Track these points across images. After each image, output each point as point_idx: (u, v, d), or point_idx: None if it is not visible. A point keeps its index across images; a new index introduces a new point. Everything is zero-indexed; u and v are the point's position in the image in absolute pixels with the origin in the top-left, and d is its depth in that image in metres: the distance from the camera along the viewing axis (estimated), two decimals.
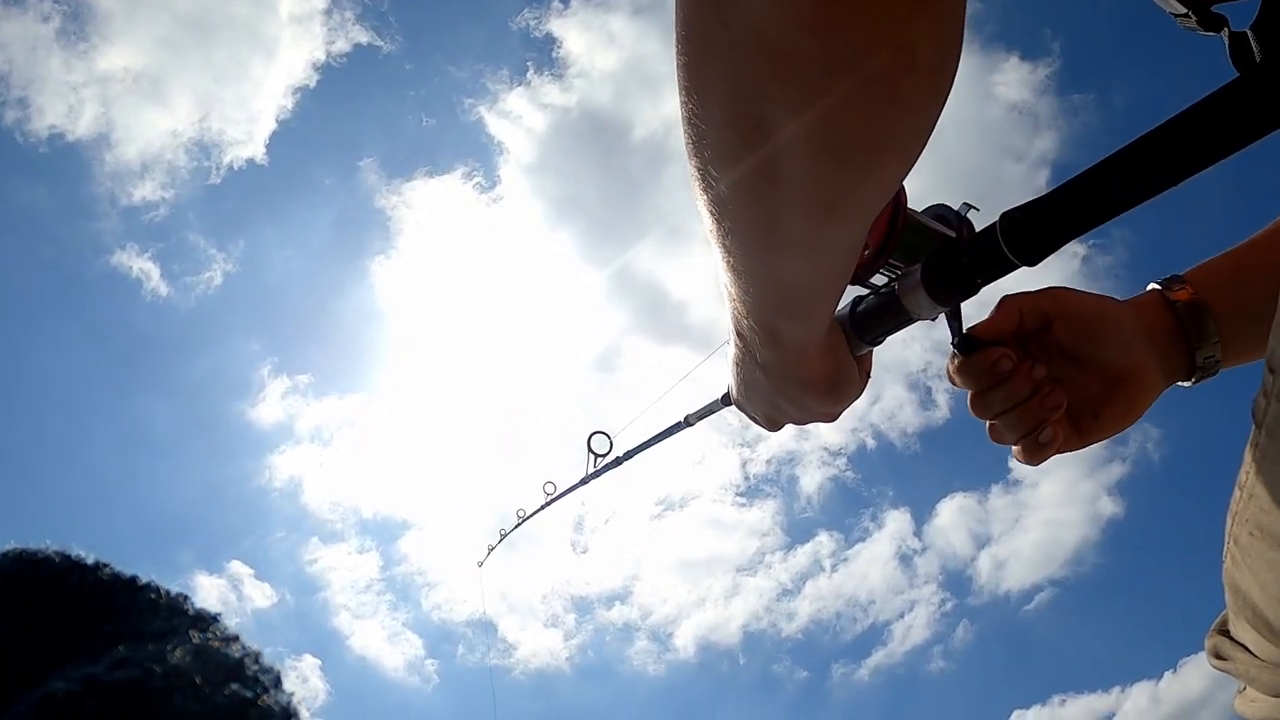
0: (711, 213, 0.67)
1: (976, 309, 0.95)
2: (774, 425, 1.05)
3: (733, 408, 1.11)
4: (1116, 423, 0.97)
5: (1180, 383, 0.98)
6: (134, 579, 0.34)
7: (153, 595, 0.34)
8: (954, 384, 0.96)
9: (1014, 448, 0.96)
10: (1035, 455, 0.94)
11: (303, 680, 0.32)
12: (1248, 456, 0.73)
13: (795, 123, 0.56)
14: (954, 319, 0.93)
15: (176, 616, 0.33)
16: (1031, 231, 0.80)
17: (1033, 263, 0.82)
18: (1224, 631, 0.83)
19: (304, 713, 0.31)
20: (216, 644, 0.32)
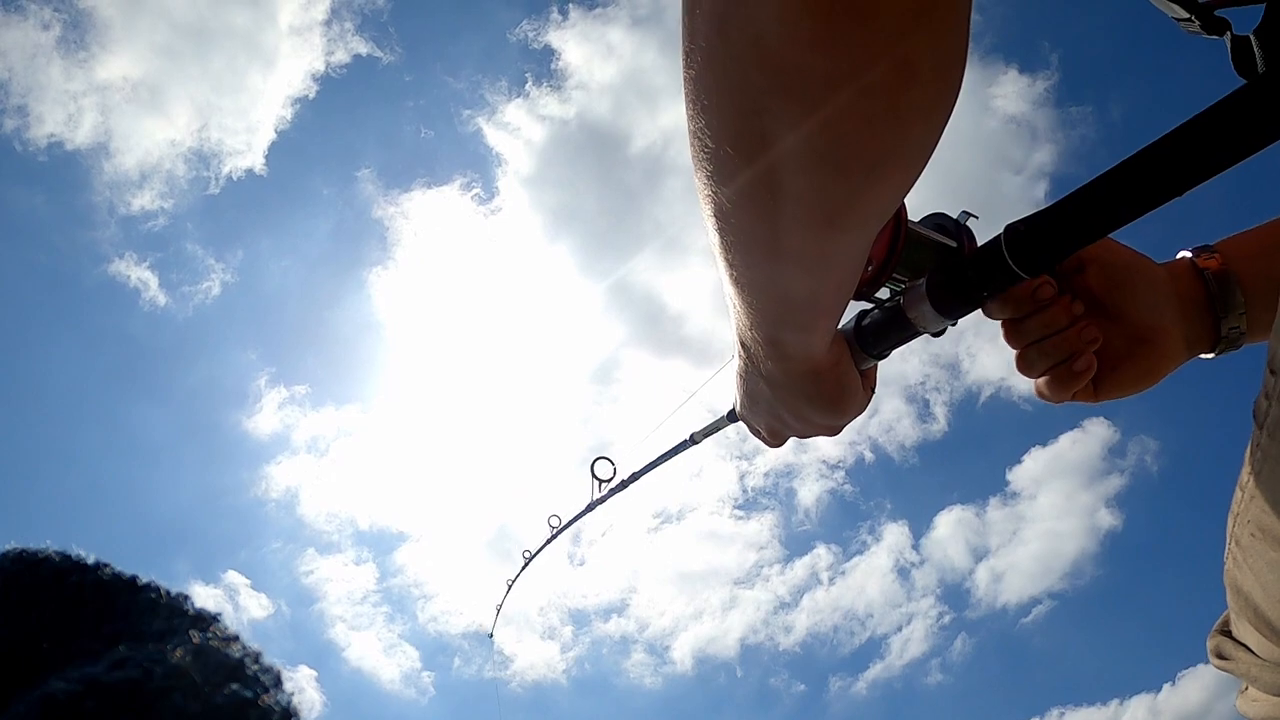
0: (715, 225, 0.68)
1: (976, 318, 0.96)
2: (777, 439, 1.05)
3: (738, 423, 1.11)
4: (1134, 383, 0.97)
5: (1203, 354, 0.99)
6: (134, 579, 0.34)
7: (153, 595, 0.34)
8: (991, 315, 0.95)
9: (1038, 381, 0.96)
10: (1064, 386, 0.94)
11: (299, 691, 0.32)
12: (1249, 458, 0.74)
13: (797, 136, 0.56)
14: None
15: (177, 616, 0.33)
16: (1035, 243, 0.80)
17: (1037, 274, 0.83)
18: (1225, 632, 0.83)
19: (304, 713, 0.31)
20: (216, 644, 0.32)
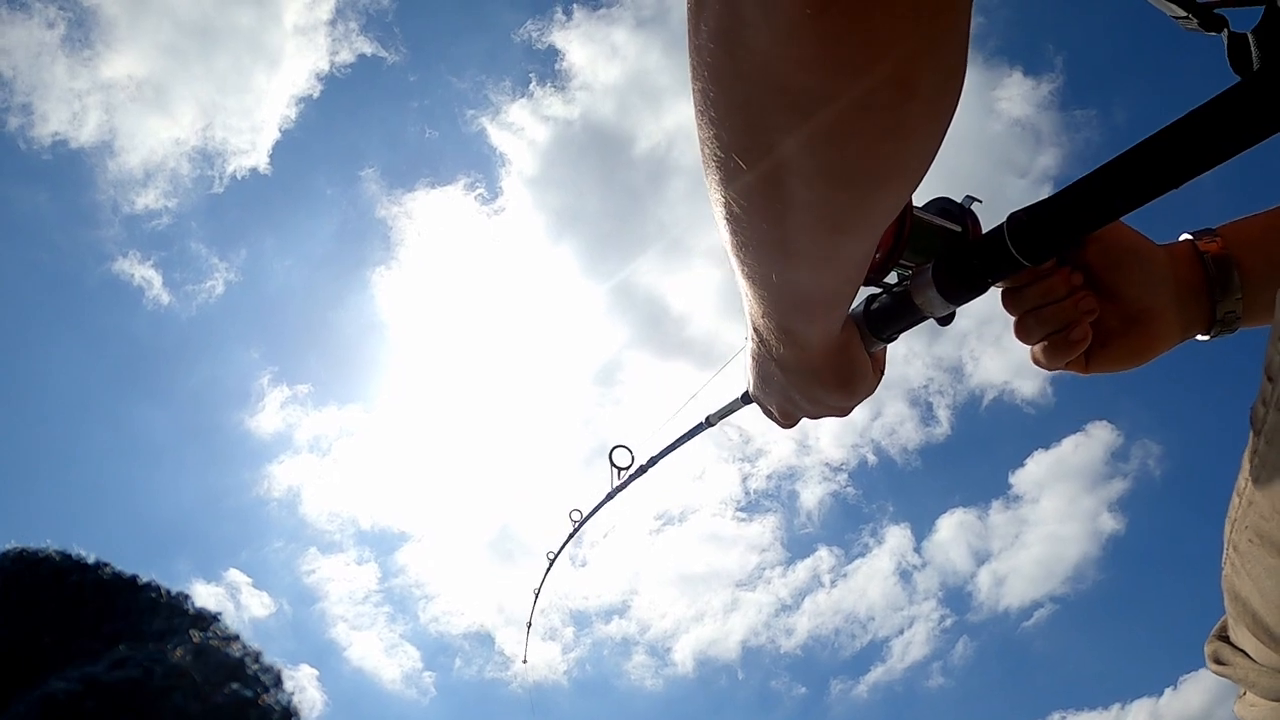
0: (726, 224, 0.70)
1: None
2: (789, 419, 1.07)
3: (752, 405, 1.13)
4: (1124, 359, 0.99)
5: (1199, 335, 1.00)
6: (134, 578, 0.34)
7: (153, 594, 0.34)
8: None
9: (1034, 348, 0.99)
10: (1059, 354, 0.97)
11: (299, 690, 0.32)
12: (1246, 464, 0.74)
13: (803, 150, 0.58)
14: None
15: (177, 616, 0.33)
16: (1037, 232, 0.83)
17: (1039, 262, 0.86)
18: (1223, 637, 0.83)
19: (304, 714, 0.31)
20: (217, 643, 0.32)
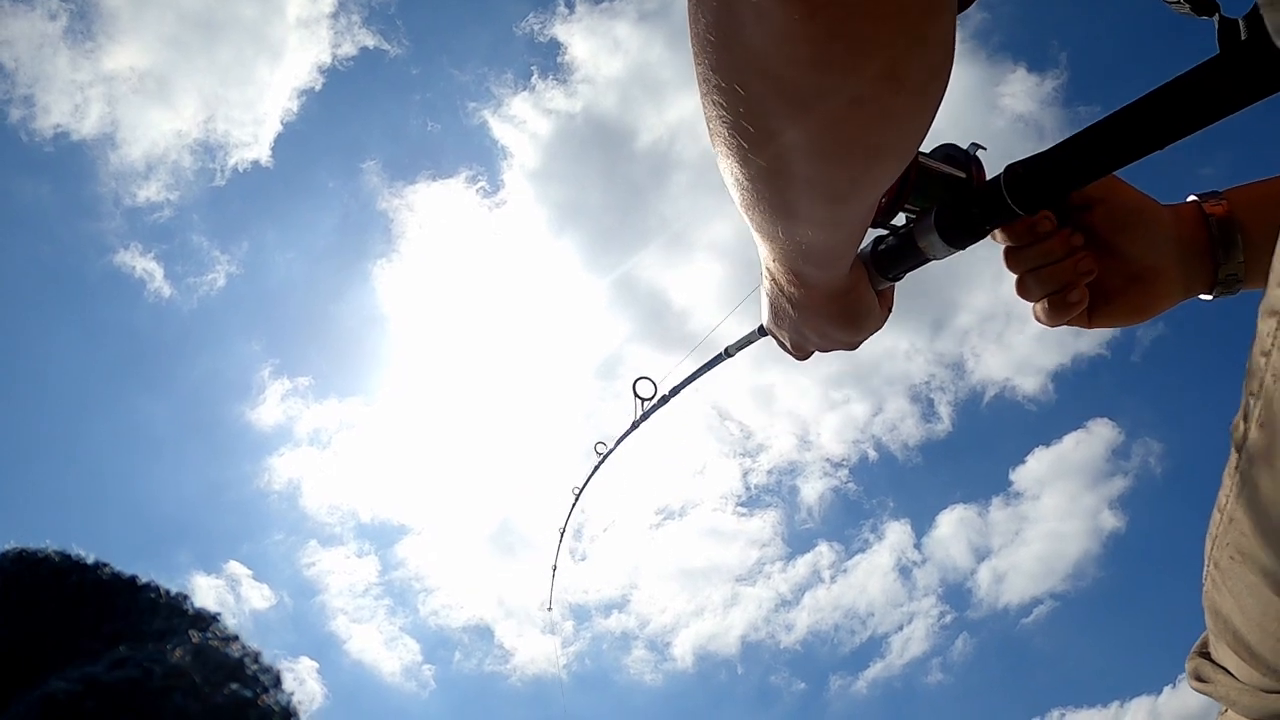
0: (735, 188, 0.74)
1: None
2: (801, 352, 1.12)
3: (767, 338, 1.19)
4: (1126, 316, 1.03)
5: (1201, 295, 1.02)
6: (134, 579, 0.34)
7: (153, 595, 0.34)
8: (995, 239, 1.01)
9: (1035, 307, 1.02)
10: (1057, 314, 1.00)
11: (299, 683, 0.32)
12: (1227, 481, 0.73)
13: (800, 135, 0.62)
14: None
15: (176, 616, 0.33)
16: (1032, 184, 0.88)
17: (1033, 211, 0.91)
18: (1204, 654, 0.83)
19: (304, 713, 0.31)
20: (216, 644, 0.32)
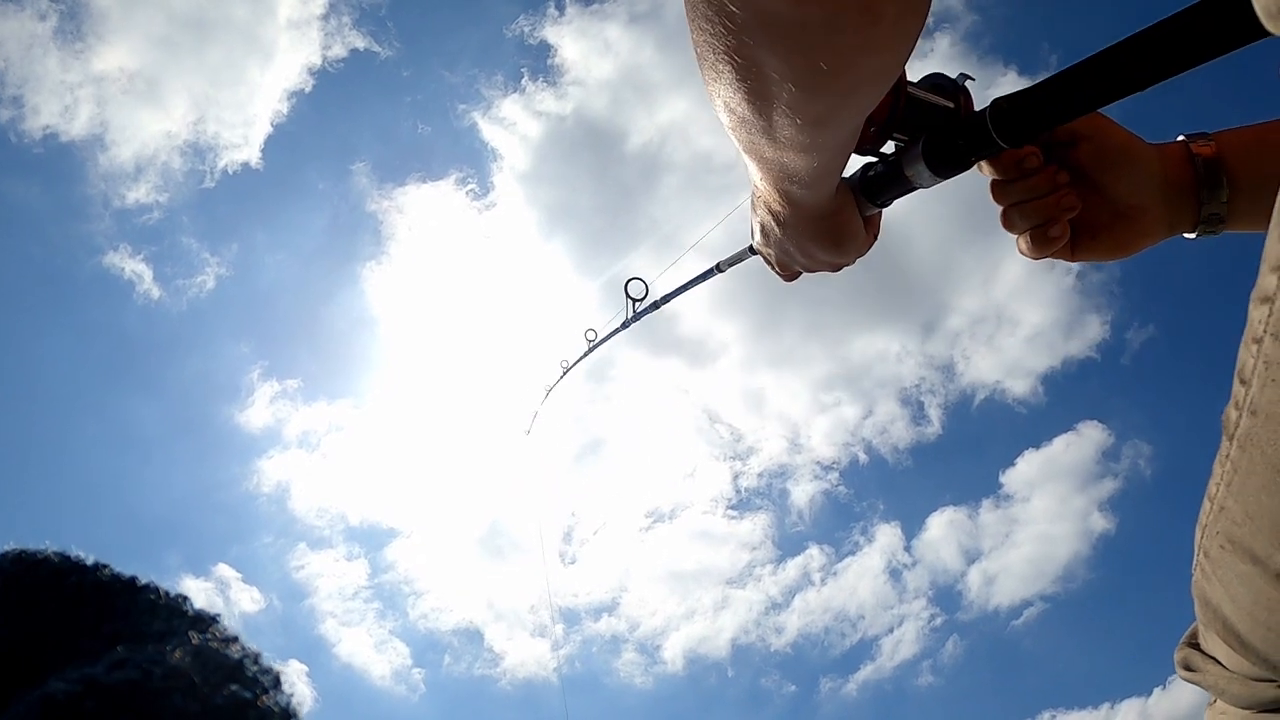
0: (721, 108, 0.77)
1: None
2: (787, 270, 1.15)
3: (757, 257, 1.21)
4: (1109, 252, 1.05)
5: (1185, 234, 1.04)
6: (133, 579, 0.34)
7: (152, 596, 0.34)
8: (982, 172, 1.04)
9: (1020, 240, 1.05)
10: (1040, 247, 1.03)
11: (282, 671, 0.33)
12: (1217, 469, 0.73)
13: (780, 63, 0.65)
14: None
15: (176, 617, 0.33)
16: (1016, 119, 0.92)
17: (1018, 145, 0.95)
18: (1193, 644, 0.83)
19: (303, 714, 0.31)
20: (216, 645, 0.32)
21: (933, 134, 0.98)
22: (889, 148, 1.03)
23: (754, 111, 0.73)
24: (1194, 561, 0.78)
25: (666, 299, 1.73)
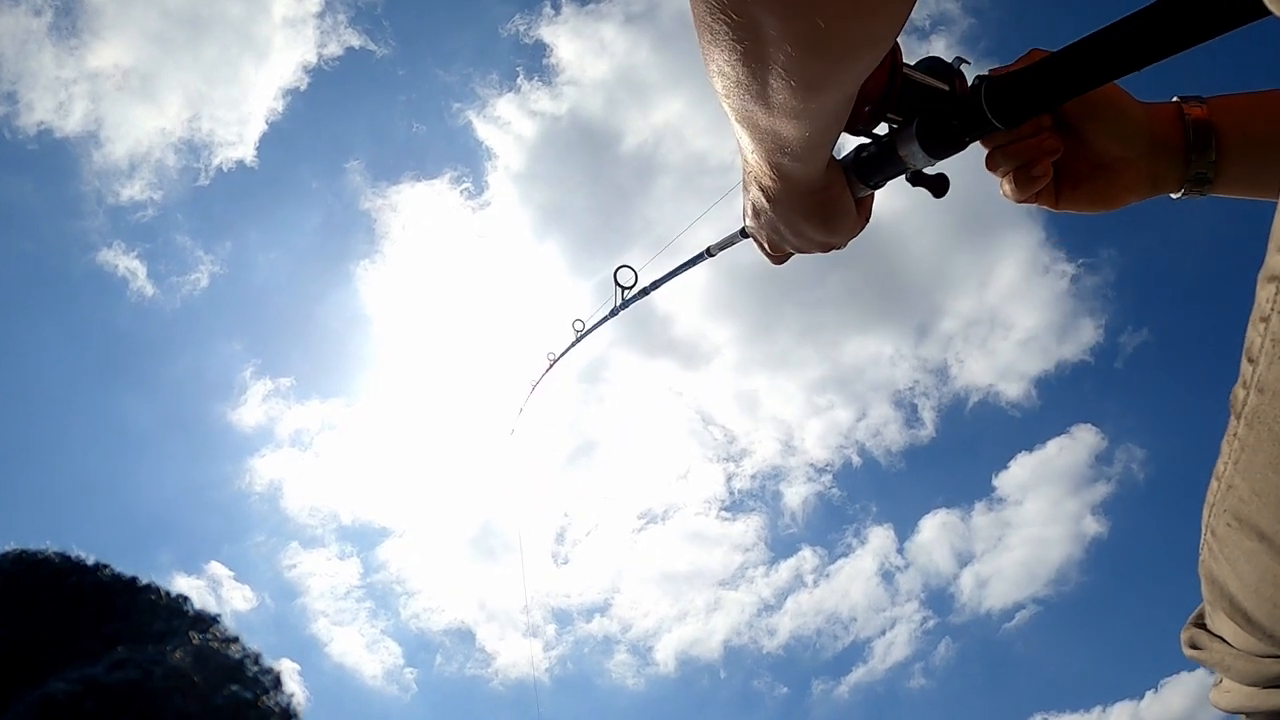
0: (715, 73, 0.78)
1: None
2: (778, 251, 1.15)
3: (748, 241, 1.21)
4: (1090, 203, 1.07)
5: (1170, 193, 1.06)
6: (134, 580, 0.34)
7: (152, 596, 0.34)
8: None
9: (1003, 182, 1.06)
10: (1021, 188, 1.04)
11: (281, 669, 0.33)
12: (1225, 448, 0.74)
13: (780, 21, 0.66)
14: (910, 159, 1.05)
15: (176, 617, 0.33)
16: (1010, 99, 0.94)
17: (1010, 125, 0.96)
18: (1200, 624, 0.84)
19: (302, 714, 0.31)
20: (216, 645, 0.32)
21: (927, 114, 0.99)
22: (883, 130, 1.03)
23: (750, 75, 0.74)
24: (1201, 541, 0.79)
25: (656, 285, 1.71)
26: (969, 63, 1.02)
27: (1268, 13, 0.61)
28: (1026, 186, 1.04)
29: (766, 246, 1.15)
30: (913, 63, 1.01)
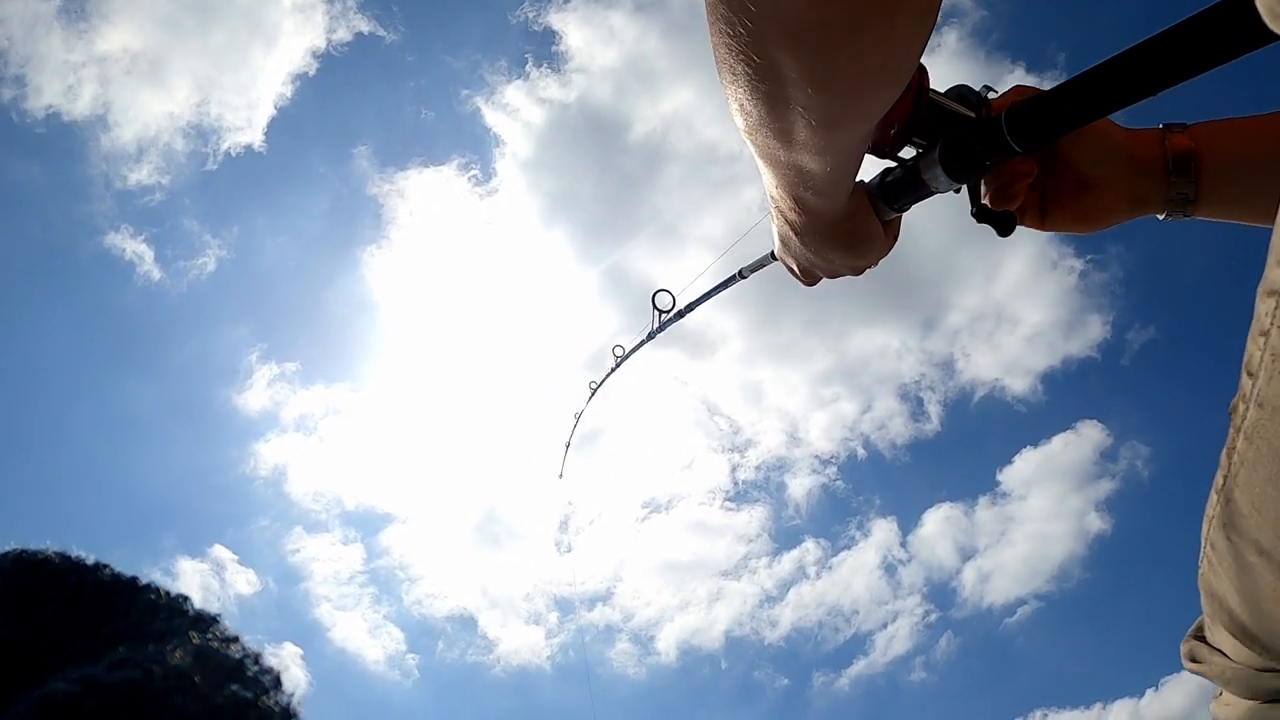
0: (738, 111, 0.79)
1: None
2: (809, 277, 1.17)
3: (778, 264, 1.23)
4: (1074, 222, 1.11)
5: (1155, 214, 1.09)
6: (134, 579, 0.34)
7: (153, 596, 0.34)
8: None
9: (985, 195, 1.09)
10: (1003, 201, 1.08)
11: (283, 669, 0.33)
12: (1225, 461, 0.73)
13: (798, 64, 0.67)
14: (973, 190, 1.08)
15: (177, 617, 0.33)
16: (1031, 123, 0.96)
17: (1031, 150, 0.99)
18: (1200, 637, 0.84)
19: (303, 713, 0.31)
20: (216, 645, 0.32)
21: (950, 138, 1.00)
22: (908, 153, 1.04)
23: (770, 113, 0.75)
24: (1201, 554, 0.79)
25: (690, 308, 1.80)
26: (995, 91, 1.05)
27: (1275, 38, 0.62)
28: (1004, 205, 1.07)
29: (798, 272, 1.17)
30: (942, 89, 1.03)
